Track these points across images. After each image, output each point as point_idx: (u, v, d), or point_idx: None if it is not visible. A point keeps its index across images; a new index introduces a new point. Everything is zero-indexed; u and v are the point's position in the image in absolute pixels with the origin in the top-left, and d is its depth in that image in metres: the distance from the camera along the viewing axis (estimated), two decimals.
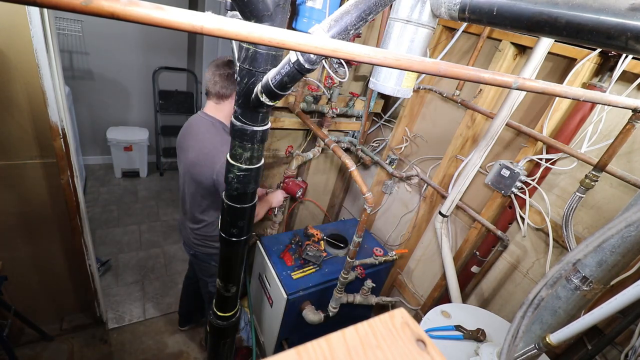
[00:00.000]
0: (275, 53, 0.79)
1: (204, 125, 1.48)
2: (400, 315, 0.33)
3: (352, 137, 2.41)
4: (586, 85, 1.38)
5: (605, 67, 1.34)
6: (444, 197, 1.93)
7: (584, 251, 0.62)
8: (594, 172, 1.25)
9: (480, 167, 1.73)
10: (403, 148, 2.26)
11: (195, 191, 1.53)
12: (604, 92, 1.31)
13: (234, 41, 0.88)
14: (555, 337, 0.84)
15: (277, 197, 1.91)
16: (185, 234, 1.73)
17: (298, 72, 0.65)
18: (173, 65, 3.67)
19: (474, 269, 1.80)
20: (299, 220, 2.84)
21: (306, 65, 0.63)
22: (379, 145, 2.50)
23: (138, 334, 2.20)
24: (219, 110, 1.49)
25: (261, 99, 0.77)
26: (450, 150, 1.90)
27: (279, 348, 1.96)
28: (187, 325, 2.32)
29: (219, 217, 1.25)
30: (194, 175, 1.48)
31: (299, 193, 2.03)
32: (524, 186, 1.57)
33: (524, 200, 1.59)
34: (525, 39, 1.50)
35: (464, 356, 1.19)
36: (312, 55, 0.61)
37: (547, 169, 1.53)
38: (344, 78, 1.80)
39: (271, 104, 0.79)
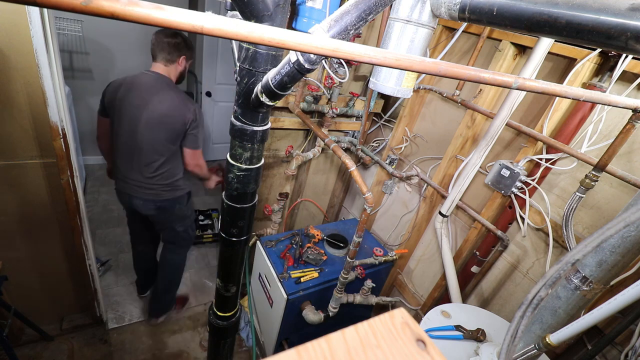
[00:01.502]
0: (275, 53, 0.79)
1: (161, 83, 1.63)
2: (400, 315, 0.33)
3: (352, 137, 2.41)
4: (586, 85, 1.38)
5: (605, 67, 1.34)
6: (444, 197, 1.93)
7: (583, 251, 0.62)
8: (594, 172, 1.25)
9: (480, 167, 1.73)
10: (403, 148, 2.26)
11: (163, 138, 1.65)
12: (604, 92, 1.31)
13: (234, 41, 0.88)
14: (555, 337, 0.84)
15: (210, 184, 1.96)
16: (138, 192, 1.77)
17: (298, 72, 0.65)
18: None
19: (474, 269, 1.80)
20: (299, 220, 2.84)
21: (306, 65, 0.63)
22: (379, 145, 2.50)
23: (138, 334, 2.20)
24: (169, 72, 1.67)
25: (261, 99, 0.77)
26: (450, 150, 1.90)
27: (279, 348, 1.96)
28: (146, 291, 2.39)
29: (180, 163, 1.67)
30: (165, 124, 1.62)
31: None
32: (524, 186, 1.57)
33: (524, 200, 1.59)
34: (525, 39, 1.50)
35: (464, 356, 1.19)
36: (312, 55, 0.62)
37: (547, 169, 1.53)
38: (344, 78, 1.80)
39: (271, 104, 0.79)
